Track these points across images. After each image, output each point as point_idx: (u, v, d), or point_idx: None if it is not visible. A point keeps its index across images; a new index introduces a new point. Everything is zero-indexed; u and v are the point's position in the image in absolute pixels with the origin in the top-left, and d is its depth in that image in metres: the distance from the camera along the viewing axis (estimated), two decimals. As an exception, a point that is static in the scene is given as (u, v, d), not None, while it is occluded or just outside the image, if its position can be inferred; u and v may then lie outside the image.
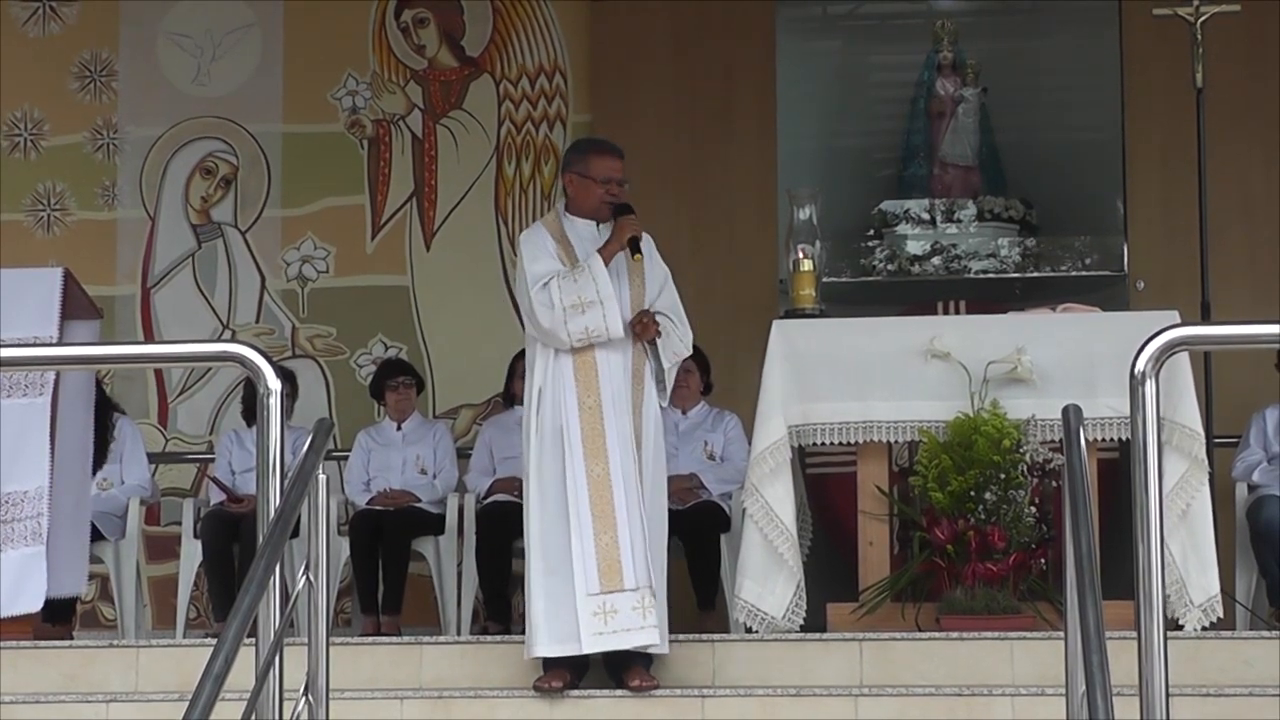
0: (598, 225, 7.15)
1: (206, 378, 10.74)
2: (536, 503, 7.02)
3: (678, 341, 7.18)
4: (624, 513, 6.90)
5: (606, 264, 6.99)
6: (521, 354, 8.11)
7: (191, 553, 9.30)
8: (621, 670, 6.99)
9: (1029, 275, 10.21)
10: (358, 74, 10.93)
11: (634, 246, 7.00)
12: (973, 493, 7.30)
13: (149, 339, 10.63)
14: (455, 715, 6.93)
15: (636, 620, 6.86)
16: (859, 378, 7.53)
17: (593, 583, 6.88)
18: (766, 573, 7.36)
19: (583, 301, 6.94)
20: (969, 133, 10.56)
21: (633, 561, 6.87)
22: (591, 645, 6.87)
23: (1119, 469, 7.45)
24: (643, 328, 7.04)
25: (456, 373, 10.60)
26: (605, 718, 6.85)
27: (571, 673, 6.98)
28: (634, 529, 6.89)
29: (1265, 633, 7.50)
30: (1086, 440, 5.61)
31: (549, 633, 6.93)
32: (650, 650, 6.98)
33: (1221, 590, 7.33)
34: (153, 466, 9.68)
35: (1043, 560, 7.35)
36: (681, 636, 7.25)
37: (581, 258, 7.04)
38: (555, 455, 6.99)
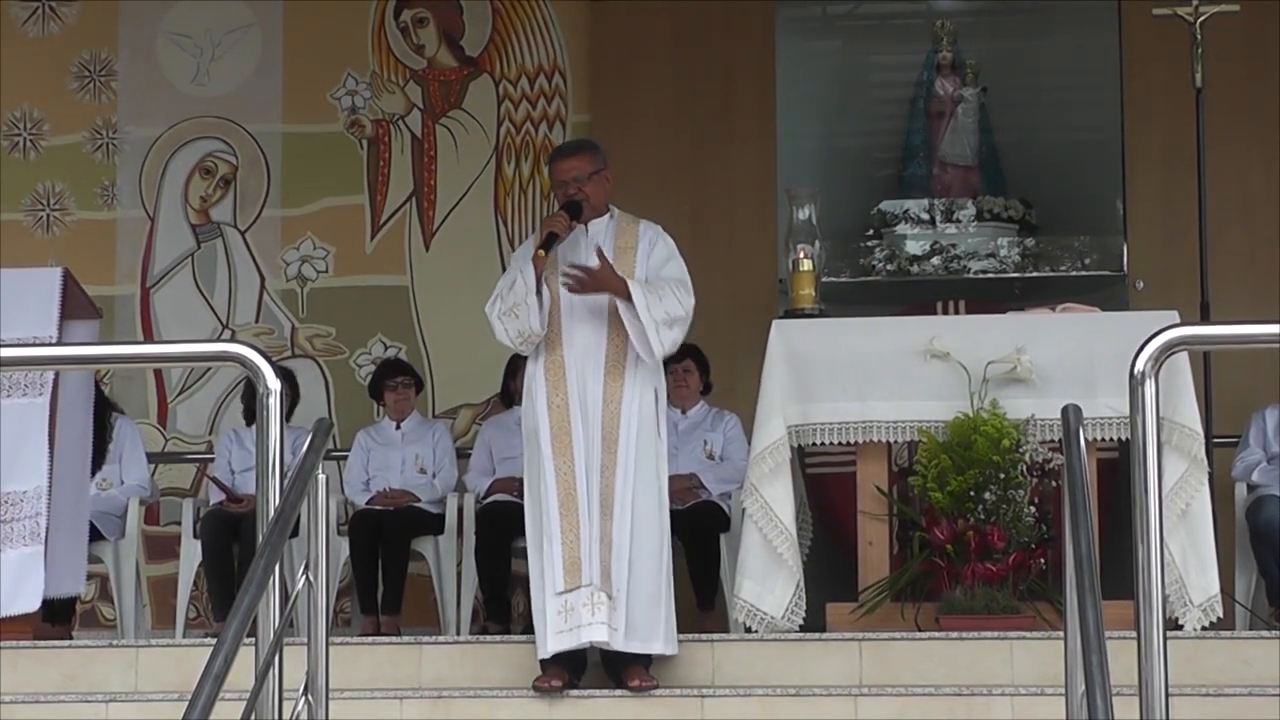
0: (586, 229, 7.20)
1: (206, 378, 10.73)
2: (527, 503, 7.14)
3: (651, 300, 7.04)
4: (585, 510, 6.94)
5: (537, 265, 7.02)
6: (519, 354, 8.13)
7: (191, 553, 9.29)
8: (620, 670, 6.99)
9: (1028, 275, 10.20)
10: (357, 74, 10.92)
11: (547, 243, 7.01)
12: (972, 493, 7.29)
13: (148, 339, 10.62)
14: (455, 715, 6.93)
15: (586, 616, 6.88)
16: (858, 378, 7.53)
17: (559, 581, 6.92)
18: (766, 573, 7.36)
19: (514, 305, 7.04)
20: (968, 133, 10.55)
21: (589, 559, 6.90)
22: (555, 644, 6.90)
23: (1119, 469, 7.44)
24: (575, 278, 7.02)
25: (456, 373, 10.59)
26: (605, 718, 6.85)
27: (570, 672, 6.98)
28: (594, 527, 6.93)
29: (1265, 633, 7.49)
30: (1086, 440, 5.61)
31: (539, 631, 6.98)
32: (653, 651, 6.99)
33: (1221, 590, 7.32)
34: (152, 466, 9.67)
35: (1042, 560, 7.35)
36: (681, 636, 7.23)
37: (560, 261, 7.10)
38: (533, 455, 7.10)
